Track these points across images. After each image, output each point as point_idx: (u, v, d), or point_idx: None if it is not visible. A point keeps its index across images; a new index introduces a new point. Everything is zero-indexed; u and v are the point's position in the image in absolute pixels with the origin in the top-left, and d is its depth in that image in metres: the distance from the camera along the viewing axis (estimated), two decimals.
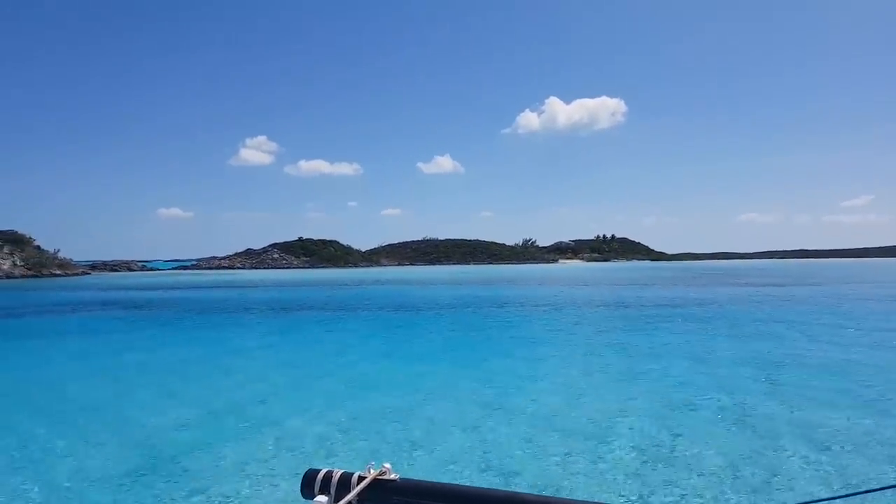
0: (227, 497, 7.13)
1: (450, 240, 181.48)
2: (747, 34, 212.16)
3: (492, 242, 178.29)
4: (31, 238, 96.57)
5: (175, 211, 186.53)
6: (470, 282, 69.20)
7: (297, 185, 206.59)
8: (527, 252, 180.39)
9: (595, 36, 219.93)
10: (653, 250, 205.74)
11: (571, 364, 16.01)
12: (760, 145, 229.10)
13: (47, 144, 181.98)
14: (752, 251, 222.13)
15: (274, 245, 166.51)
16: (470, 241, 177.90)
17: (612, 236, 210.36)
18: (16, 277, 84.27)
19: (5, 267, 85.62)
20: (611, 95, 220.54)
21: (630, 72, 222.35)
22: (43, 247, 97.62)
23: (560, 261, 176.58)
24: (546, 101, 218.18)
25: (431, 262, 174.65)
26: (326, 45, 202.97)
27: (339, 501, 1.41)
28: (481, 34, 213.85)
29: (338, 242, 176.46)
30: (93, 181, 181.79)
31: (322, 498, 1.44)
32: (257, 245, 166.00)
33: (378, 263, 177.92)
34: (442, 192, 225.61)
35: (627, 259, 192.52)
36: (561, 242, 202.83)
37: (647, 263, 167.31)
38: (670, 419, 10.17)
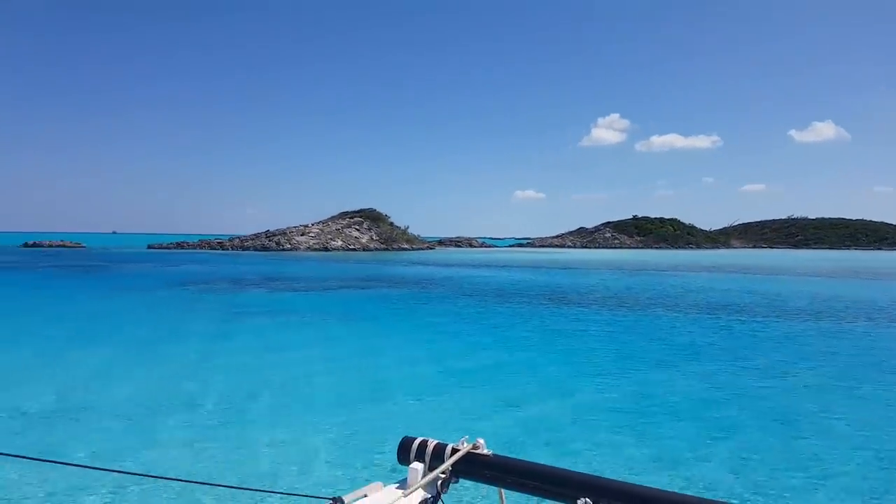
0: None
1: (823, 219, 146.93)
2: None
3: (882, 223, 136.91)
4: (386, 215, 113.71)
5: (529, 193, 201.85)
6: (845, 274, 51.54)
7: (648, 162, 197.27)
8: None
9: None
10: None
11: None
12: None
13: (420, 144, 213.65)
14: None
15: (607, 224, 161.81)
16: (852, 220, 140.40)
17: None
18: (370, 250, 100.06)
19: (363, 240, 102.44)
20: None
21: None
22: (395, 223, 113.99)
23: None
24: None
25: (796, 246, 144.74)
26: (678, 14, 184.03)
27: (432, 470, 1.46)
28: None
29: (678, 221, 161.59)
30: (464, 172, 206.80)
31: (417, 465, 1.49)
32: (590, 223, 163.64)
33: (727, 245, 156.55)
34: (820, 164, 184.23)
35: None
36: None
37: None
38: None
